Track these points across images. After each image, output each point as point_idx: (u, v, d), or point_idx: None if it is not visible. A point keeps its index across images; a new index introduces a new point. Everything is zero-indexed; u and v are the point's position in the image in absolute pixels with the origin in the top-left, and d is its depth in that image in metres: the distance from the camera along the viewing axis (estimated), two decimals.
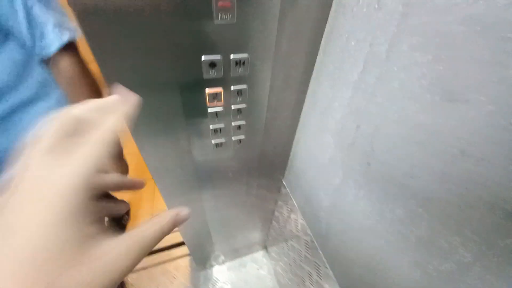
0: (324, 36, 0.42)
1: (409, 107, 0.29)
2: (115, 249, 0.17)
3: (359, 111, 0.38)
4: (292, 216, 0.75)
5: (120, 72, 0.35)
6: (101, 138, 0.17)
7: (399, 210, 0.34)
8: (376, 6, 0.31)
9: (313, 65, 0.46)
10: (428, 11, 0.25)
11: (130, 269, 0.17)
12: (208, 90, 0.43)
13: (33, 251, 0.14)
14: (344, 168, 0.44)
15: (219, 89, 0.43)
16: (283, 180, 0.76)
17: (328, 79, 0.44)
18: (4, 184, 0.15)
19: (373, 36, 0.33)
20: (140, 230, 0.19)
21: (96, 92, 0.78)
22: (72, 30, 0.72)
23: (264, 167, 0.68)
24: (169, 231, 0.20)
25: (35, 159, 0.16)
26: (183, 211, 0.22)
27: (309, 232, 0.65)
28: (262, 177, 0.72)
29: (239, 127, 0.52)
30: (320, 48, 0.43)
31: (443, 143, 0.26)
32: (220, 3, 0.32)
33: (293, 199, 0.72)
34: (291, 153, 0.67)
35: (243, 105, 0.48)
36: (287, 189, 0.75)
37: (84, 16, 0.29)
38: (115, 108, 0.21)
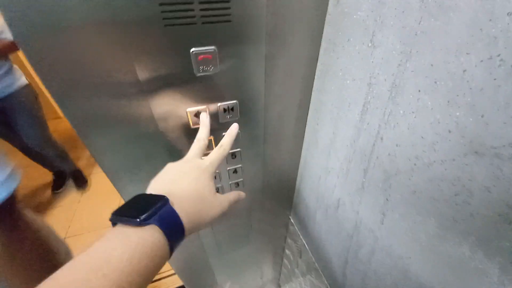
0: (317, 74, 0.39)
1: (424, 157, 0.25)
2: (222, 201, 0.31)
3: (364, 153, 0.34)
4: (304, 257, 0.68)
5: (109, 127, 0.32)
6: (218, 150, 0.34)
7: None
8: (370, 44, 0.28)
9: (309, 102, 0.43)
10: (435, 49, 0.22)
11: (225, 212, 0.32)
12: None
13: (194, 190, 0.28)
14: (356, 215, 0.39)
15: (209, 137, 0.40)
16: (290, 217, 0.70)
17: (327, 117, 0.40)
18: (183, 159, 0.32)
19: (371, 75, 0.29)
20: (228, 194, 0.34)
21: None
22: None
23: (268, 204, 0.63)
24: (234, 201, 0.35)
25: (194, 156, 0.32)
26: (242, 193, 0.37)
27: (324, 280, 0.57)
28: (267, 213, 0.66)
29: (235, 170, 0.48)
30: (314, 86, 0.40)
31: (472, 206, 0.21)
32: (200, 57, 0.30)
33: (302, 239, 0.66)
34: (296, 191, 0.62)
35: (237, 149, 0.44)
36: (295, 226, 0.69)
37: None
38: (227, 133, 0.35)
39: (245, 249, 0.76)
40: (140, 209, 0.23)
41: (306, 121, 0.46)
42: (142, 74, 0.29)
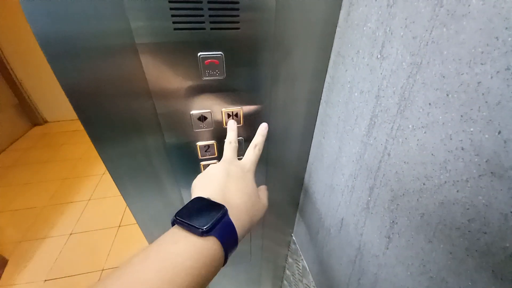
0: (325, 86, 0.38)
1: (435, 177, 0.23)
2: (263, 200, 0.34)
3: (370, 170, 0.31)
4: (304, 281, 0.63)
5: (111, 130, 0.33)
6: (253, 150, 0.35)
7: None
8: (379, 55, 0.27)
9: (316, 115, 0.42)
10: (447, 60, 0.20)
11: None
12: (199, 143, 0.39)
13: (246, 195, 0.30)
14: (359, 237, 0.36)
15: (211, 142, 0.40)
16: (292, 235, 0.67)
17: (334, 131, 0.38)
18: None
19: (379, 87, 0.28)
20: (262, 190, 0.36)
21: None
22: None
23: (270, 220, 0.60)
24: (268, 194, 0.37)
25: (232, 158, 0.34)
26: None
27: None
28: (269, 230, 0.64)
29: None
30: (322, 98, 0.39)
31: (488, 236, 0.18)
32: (207, 61, 0.30)
33: (304, 260, 0.61)
34: (299, 206, 0.59)
35: (239, 157, 0.43)
36: (297, 245, 0.65)
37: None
38: (258, 133, 0.37)
39: (244, 265, 0.72)
40: (202, 218, 0.24)
41: (313, 134, 0.45)
42: (150, 76, 0.30)
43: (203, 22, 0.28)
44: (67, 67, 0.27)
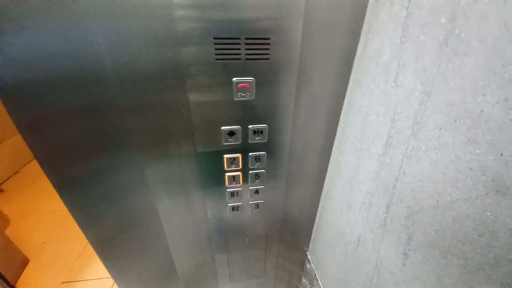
0: (343, 109, 0.42)
1: (447, 194, 0.25)
2: None
3: (387, 188, 0.33)
4: None
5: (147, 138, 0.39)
6: None
7: None
8: (393, 84, 0.30)
9: (334, 135, 0.45)
10: (453, 90, 0.23)
11: None
12: (226, 156, 0.44)
13: None
14: (376, 254, 0.37)
15: (237, 155, 0.44)
16: (307, 254, 0.67)
17: (351, 150, 0.41)
18: None
19: (394, 111, 0.31)
20: None
21: None
22: None
23: (286, 235, 0.61)
24: None
25: None
26: None
27: None
28: (283, 246, 0.64)
29: (256, 191, 0.50)
30: (340, 119, 0.43)
31: (497, 249, 0.20)
32: (240, 85, 0.35)
33: (319, 281, 0.61)
34: (316, 223, 0.60)
35: (261, 171, 0.47)
36: (312, 265, 0.64)
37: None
38: None
39: (256, 281, 0.72)
40: None
41: (331, 153, 0.48)
42: (192, 96, 0.36)
43: (239, 54, 0.34)
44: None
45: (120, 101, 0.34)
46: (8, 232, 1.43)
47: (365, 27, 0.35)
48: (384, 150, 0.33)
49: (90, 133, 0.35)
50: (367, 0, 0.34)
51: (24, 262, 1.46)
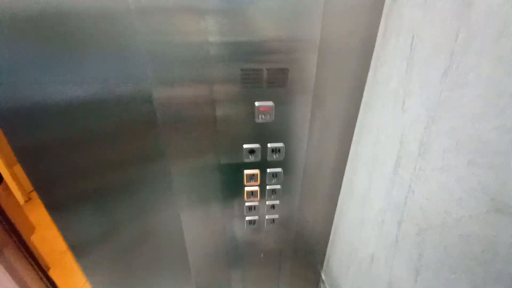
0: (356, 130, 0.45)
1: (453, 212, 0.26)
2: None
3: (398, 206, 0.35)
4: None
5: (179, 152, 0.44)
6: None
7: None
8: (401, 109, 0.34)
9: (347, 154, 0.48)
10: (455, 116, 0.26)
11: None
12: (246, 171, 0.48)
13: None
14: (389, 271, 0.38)
15: (256, 171, 0.48)
16: (321, 273, 0.67)
17: (364, 169, 0.44)
18: None
19: (402, 134, 0.34)
20: None
21: None
22: None
23: (299, 253, 0.62)
24: None
25: None
26: None
27: None
28: (297, 264, 0.65)
29: (273, 206, 0.53)
30: (353, 139, 0.46)
31: (499, 264, 0.21)
32: (261, 108, 0.40)
33: None
34: (330, 241, 0.60)
35: (277, 186, 0.50)
36: (326, 285, 0.64)
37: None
38: None
39: None
40: None
41: (344, 171, 0.50)
42: (219, 117, 0.41)
43: (262, 81, 0.39)
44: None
45: (160, 118, 0.40)
46: (33, 239, 1.52)
47: (374, 56, 0.40)
48: (394, 170, 0.36)
49: (132, 145, 0.41)
50: (376, 33, 0.38)
51: (45, 269, 1.53)
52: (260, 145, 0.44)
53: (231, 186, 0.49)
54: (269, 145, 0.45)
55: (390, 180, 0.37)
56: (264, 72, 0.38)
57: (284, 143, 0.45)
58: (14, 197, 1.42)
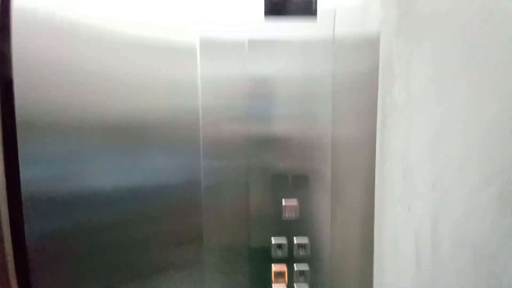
0: (375, 223, 0.49)
1: None
2: None
3: None
4: None
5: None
6: None
7: None
8: (408, 210, 0.40)
9: (372, 245, 0.50)
10: (457, 215, 0.32)
11: None
12: (274, 267, 0.50)
13: None
14: None
15: (283, 267, 0.50)
16: None
17: (390, 262, 0.45)
18: None
19: (416, 231, 0.38)
20: None
21: None
22: None
23: None
24: None
25: None
26: None
27: None
28: None
29: None
30: (375, 222, 0.49)
31: None
32: (287, 205, 0.48)
33: None
34: None
35: (303, 283, 0.50)
36: None
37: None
38: None
39: None
40: None
41: (373, 266, 0.51)
42: (253, 209, 0.48)
43: (288, 184, 0.49)
44: None
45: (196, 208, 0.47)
46: None
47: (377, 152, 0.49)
48: (417, 252, 0.38)
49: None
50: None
51: None
52: (287, 239, 0.49)
53: (259, 282, 0.50)
54: (295, 238, 0.49)
55: (415, 275, 0.38)
56: (290, 180, 0.48)
57: (308, 237, 0.49)
58: None
